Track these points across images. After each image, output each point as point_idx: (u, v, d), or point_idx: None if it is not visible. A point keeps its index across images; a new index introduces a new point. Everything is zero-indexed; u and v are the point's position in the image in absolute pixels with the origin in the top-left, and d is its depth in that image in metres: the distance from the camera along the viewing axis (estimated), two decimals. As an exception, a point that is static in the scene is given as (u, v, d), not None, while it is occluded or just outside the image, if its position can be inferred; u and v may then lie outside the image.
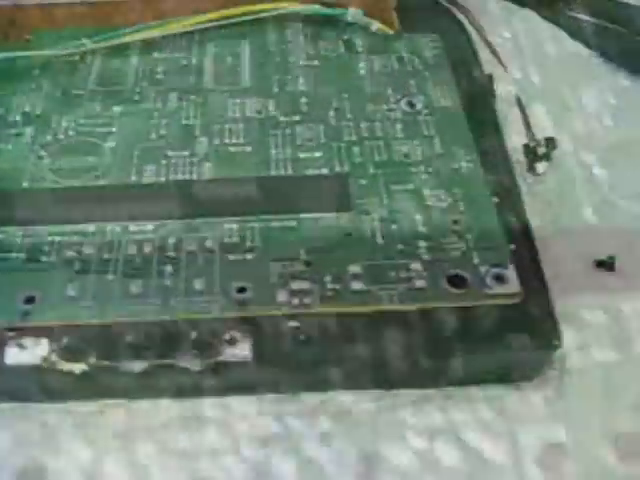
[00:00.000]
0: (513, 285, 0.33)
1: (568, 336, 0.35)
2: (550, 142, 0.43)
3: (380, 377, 0.34)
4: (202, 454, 0.33)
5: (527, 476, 0.32)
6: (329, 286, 0.33)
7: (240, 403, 0.34)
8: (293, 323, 0.32)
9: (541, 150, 0.42)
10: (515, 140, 0.43)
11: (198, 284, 0.33)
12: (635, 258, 0.39)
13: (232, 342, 0.33)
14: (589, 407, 0.34)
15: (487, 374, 0.34)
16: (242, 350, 0.34)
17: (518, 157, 0.42)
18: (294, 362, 0.33)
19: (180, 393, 0.34)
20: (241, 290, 0.33)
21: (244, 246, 0.34)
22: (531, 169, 0.42)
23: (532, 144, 0.42)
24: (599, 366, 0.35)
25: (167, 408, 0.34)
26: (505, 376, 0.35)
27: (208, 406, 0.34)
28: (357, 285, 0.33)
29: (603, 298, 0.38)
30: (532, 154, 0.42)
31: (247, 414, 0.34)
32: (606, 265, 0.39)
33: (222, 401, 0.34)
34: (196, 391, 0.34)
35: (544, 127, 0.45)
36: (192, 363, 0.33)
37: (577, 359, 0.36)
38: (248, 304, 0.33)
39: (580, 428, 0.33)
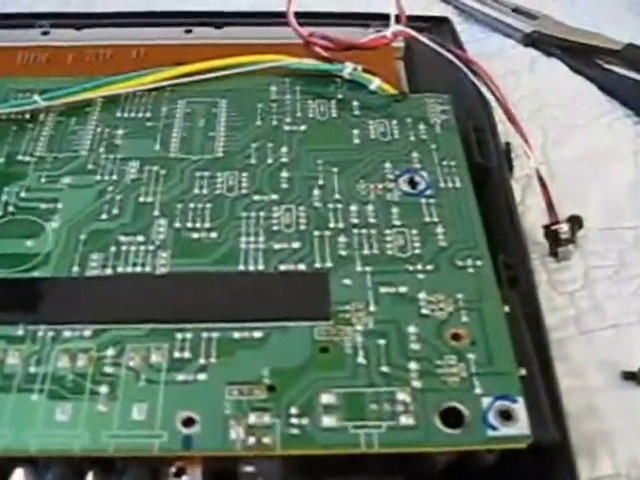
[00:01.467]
0: (521, 424, 0.26)
1: (584, 465, 0.30)
2: (575, 222, 0.36)
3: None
4: None
5: None
6: (294, 421, 0.27)
7: None
8: (248, 468, 0.25)
9: (564, 232, 0.35)
10: (534, 219, 0.36)
11: (137, 412, 0.27)
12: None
13: (180, 474, 0.27)
14: None
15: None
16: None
17: (538, 238, 0.35)
18: None
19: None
20: (188, 422, 0.26)
21: (196, 363, 0.28)
22: (553, 254, 0.35)
23: (554, 226, 0.35)
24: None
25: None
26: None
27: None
28: (329, 421, 0.27)
29: (631, 419, 0.32)
30: (554, 237, 0.35)
31: None
32: (637, 378, 0.32)
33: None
34: None
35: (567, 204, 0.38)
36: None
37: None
38: (195, 442, 0.27)
39: None
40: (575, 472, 0.28)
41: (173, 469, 0.27)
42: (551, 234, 0.36)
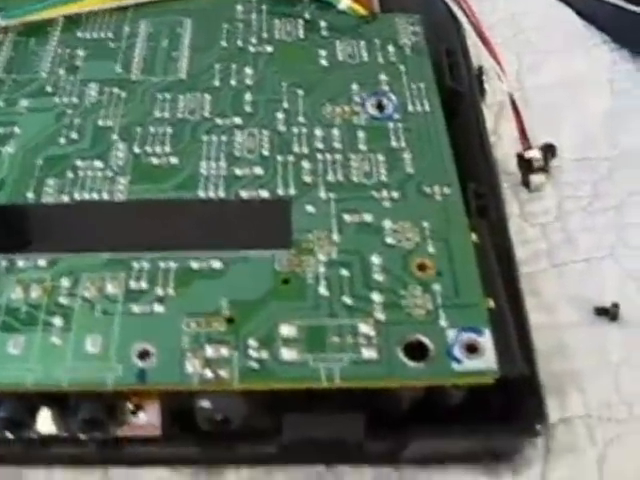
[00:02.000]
0: (488, 358, 0.25)
1: (554, 404, 0.30)
2: (548, 150, 0.34)
3: (317, 457, 0.28)
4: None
5: None
6: (253, 355, 0.26)
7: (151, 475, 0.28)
8: (205, 403, 0.24)
9: (537, 160, 0.34)
10: (507, 148, 0.35)
11: (91, 344, 0.26)
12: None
13: (137, 411, 0.27)
14: None
15: (451, 457, 0.28)
16: (149, 422, 0.27)
17: (510, 169, 0.34)
18: (207, 441, 0.27)
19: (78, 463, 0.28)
20: (143, 355, 0.25)
21: (153, 294, 0.27)
22: (525, 184, 0.34)
23: (527, 154, 0.34)
24: (593, 443, 0.29)
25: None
26: (475, 458, 0.28)
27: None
28: (289, 354, 0.26)
29: (602, 356, 0.32)
30: (527, 165, 0.34)
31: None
32: (609, 314, 0.31)
33: (130, 472, 0.28)
34: (95, 462, 0.28)
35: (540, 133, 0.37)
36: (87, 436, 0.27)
37: (565, 434, 0.30)
38: (150, 375, 0.26)
39: None
40: (544, 410, 0.27)
41: (130, 405, 0.26)
42: (524, 163, 0.35)
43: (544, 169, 0.35)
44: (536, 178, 0.35)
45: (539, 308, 0.32)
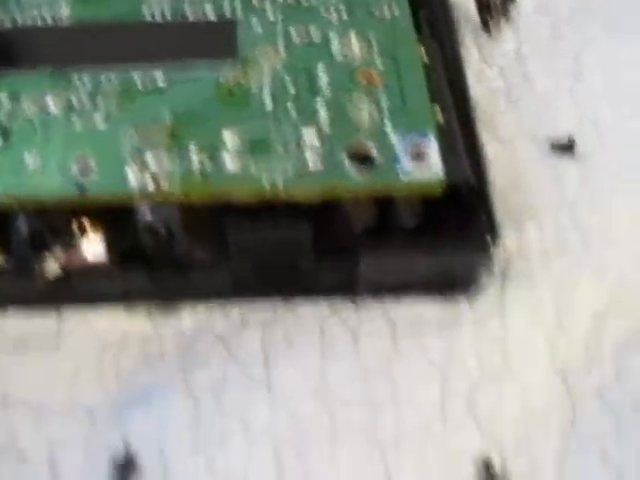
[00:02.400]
0: (434, 166, 0.25)
1: (511, 236, 0.30)
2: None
3: (267, 285, 0.28)
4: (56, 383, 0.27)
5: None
6: (196, 164, 0.25)
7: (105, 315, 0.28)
8: (146, 214, 0.24)
9: (496, 5, 0.34)
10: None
11: (31, 160, 0.26)
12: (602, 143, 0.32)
13: (82, 234, 0.27)
14: (534, 328, 0.28)
15: (404, 281, 0.28)
16: (94, 251, 0.27)
17: (470, 13, 0.34)
18: (157, 272, 0.27)
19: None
20: (84, 168, 0.26)
21: (95, 109, 0.26)
22: (485, 26, 0.34)
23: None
24: (548, 273, 0.29)
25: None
26: (431, 285, 0.28)
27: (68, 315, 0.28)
28: (232, 163, 0.25)
29: (558, 189, 0.31)
30: (486, 10, 0.34)
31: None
32: (564, 148, 0.31)
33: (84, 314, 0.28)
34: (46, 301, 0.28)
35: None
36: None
37: (521, 265, 0.30)
38: (91, 187, 0.25)
39: (520, 356, 0.27)
40: (495, 225, 0.27)
41: (74, 225, 0.26)
42: (483, 7, 0.34)
43: (503, 14, 0.34)
44: (495, 22, 0.34)
45: (496, 144, 0.32)
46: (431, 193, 0.26)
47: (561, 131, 0.32)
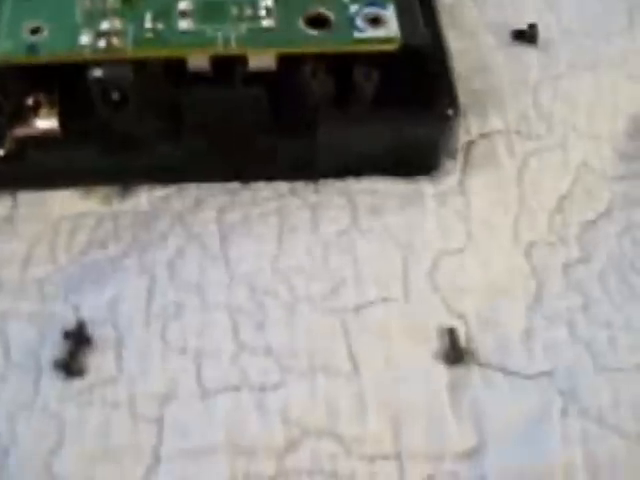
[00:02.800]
0: (391, 27, 0.24)
1: (474, 120, 0.30)
2: None
3: (225, 164, 0.28)
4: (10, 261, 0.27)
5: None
6: (148, 26, 0.24)
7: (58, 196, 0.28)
8: (97, 72, 0.23)
9: None
10: None
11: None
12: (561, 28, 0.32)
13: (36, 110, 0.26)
14: (497, 207, 0.28)
15: (365, 159, 0.28)
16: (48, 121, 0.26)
17: None
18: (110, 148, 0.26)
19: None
20: (35, 31, 0.24)
21: None
22: None
23: None
24: (512, 156, 0.29)
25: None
26: (391, 162, 0.28)
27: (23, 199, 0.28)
28: (185, 24, 0.24)
29: (521, 75, 0.31)
30: None
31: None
32: (526, 36, 0.30)
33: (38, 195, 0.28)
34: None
35: None
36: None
37: (485, 148, 0.29)
38: (42, 47, 0.25)
39: (483, 233, 0.27)
40: (455, 93, 0.27)
41: (29, 101, 0.25)
42: None
43: None
44: None
45: (459, 35, 0.31)
46: (386, 49, 0.25)
47: (523, 22, 0.32)
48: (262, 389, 0.25)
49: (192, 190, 0.28)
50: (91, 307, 0.26)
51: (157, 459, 0.24)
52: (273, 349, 0.25)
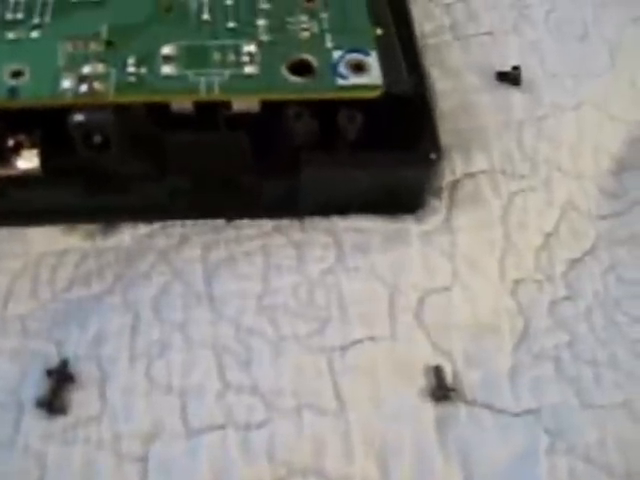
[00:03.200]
0: (374, 75, 0.25)
1: (459, 160, 0.30)
2: None
3: (210, 202, 0.28)
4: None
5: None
6: (131, 70, 0.25)
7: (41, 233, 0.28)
8: (79, 117, 0.24)
9: None
10: None
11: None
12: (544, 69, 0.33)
13: (18, 149, 0.26)
14: (483, 245, 0.28)
15: (349, 198, 0.28)
16: (29, 161, 0.26)
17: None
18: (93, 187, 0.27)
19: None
20: (16, 74, 0.24)
21: (30, 22, 0.26)
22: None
23: None
24: (497, 195, 0.29)
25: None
26: (375, 202, 0.28)
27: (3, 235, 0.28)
28: (169, 69, 0.25)
29: (505, 116, 0.32)
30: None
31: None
32: (510, 77, 0.31)
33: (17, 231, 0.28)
34: None
35: None
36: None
37: (470, 188, 0.30)
38: (23, 91, 0.25)
39: (469, 271, 0.28)
40: (437, 137, 0.27)
41: (10, 142, 0.25)
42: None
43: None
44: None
45: (444, 76, 0.32)
46: (369, 96, 0.25)
47: (506, 63, 0.32)
48: (247, 427, 0.24)
49: (176, 228, 0.28)
50: (74, 344, 0.26)
51: (141, 499, 0.23)
52: (259, 387, 0.25)
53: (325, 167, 0.26)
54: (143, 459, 0.24)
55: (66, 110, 0.24)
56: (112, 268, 0.27)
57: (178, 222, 0.28)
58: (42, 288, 0.27)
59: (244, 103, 0.26)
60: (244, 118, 0.26)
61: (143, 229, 0.28)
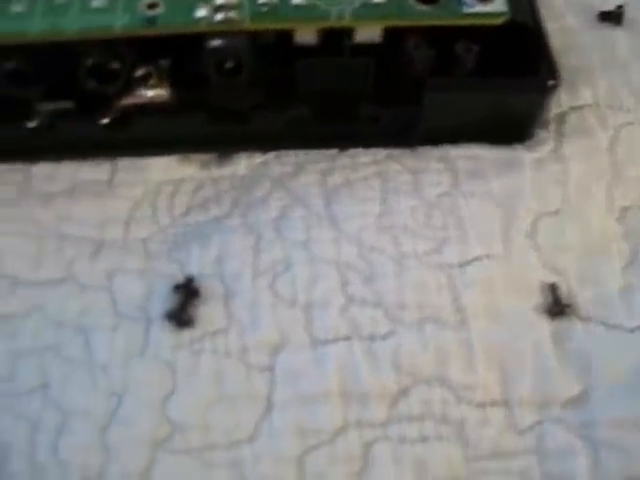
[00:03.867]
0: (498, 2, 0.26)
1: (565, 94, 0.30)
2: None
3: (326, 132, 0.29)
4: (113, 222, 0.28)
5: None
6: (263, 0, 0.26)
7: (159, 163, 0.29)
8: (215, 42, 0.25)
9: None
10: None
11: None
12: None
13: (146, 79, 0.27)
14: (588, 174, 0.29)
15: (464, 127, 0.29)
16: (159, 90, 0.28)
17: None
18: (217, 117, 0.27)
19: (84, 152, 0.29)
20: (152, 6, 0.26)
21: None
22: None
23: None
24: (604, 128, 0.30)
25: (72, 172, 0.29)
26: (489, 130, 0.29)
27: (123, 165, 0.29)
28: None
29: (609, 54, 0.32)
30: None
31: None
32: (612, 17, 0.32)
33: (138, 161, 0.29)
34: (102, 148, 0.28)
35: None
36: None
37: (576, 120, 0.30)
38: (159, 20, 0.26)
39: (579, 197, 0.28)
40: (554, 66, 0.27)
41: (140, 72, 0.26)
42: None
43: None
44: None
45: (547, 16, 0.32)
46: (493, 24, 0.26)
47: (607, 3, 0.33)
48: (372, 339, 0.25)
49: (290, 157, 0.29)
50: (197, 264, 0.27)
51: (270, 405, 0.24)
52: (382, 301, 0.26)
53: (447, 92, 0.27)
54: (270, 368, 0.25)
55: (197, 40, 0.25)
56: (229, 194, 0.28)
57: (291, 152, 0.29)
58: (161, 214, 0.28)
59: (367, 33, 0.26)
60: (366, 49, 0.26)
61: (258, 158, 0.29)
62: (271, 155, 0.29)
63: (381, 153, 0.29)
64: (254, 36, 0.26)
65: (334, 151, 0.29)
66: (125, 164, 0.29)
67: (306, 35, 0.27)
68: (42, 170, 0.29)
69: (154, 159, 0.29)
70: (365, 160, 0.29)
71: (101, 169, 0.29)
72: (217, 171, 0.29)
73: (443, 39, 0.26)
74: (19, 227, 0.27)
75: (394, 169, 0.29)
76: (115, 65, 0.27)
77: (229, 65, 0.26)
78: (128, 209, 0.28)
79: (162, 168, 0.29)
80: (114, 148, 0.29)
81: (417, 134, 0.28)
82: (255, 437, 0.24)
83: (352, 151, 0.29)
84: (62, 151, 0.29)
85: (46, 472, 0.23)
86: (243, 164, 0.29)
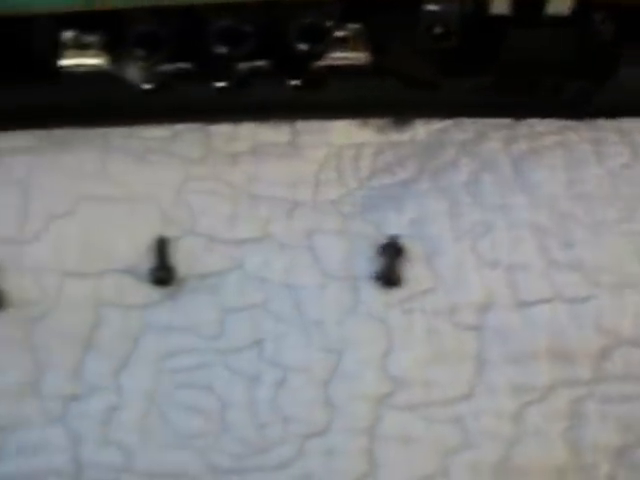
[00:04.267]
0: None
1: None
2: None
3: (506, 101, 0.29)
4: (301, 183, 0.28)
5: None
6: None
7: (340, 126, 0.29)
8: (432, 7, 0.26)
9: None
10: None
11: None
12: None
13: (344, 41, 0.27)
14: None
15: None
16: (356, 53, 0.28)
17: None
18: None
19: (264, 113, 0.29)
20: None
21: None
22: None
23: None
24: None
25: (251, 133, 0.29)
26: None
27: (303, 127, 0.29)
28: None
29: None
30: None
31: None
32: None
33: (318, 125, 0.29)
34: (287, 110, 0.29)
35: None
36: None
37: None
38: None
39: None
40: None
41: (340, 34, 0.27)
42: None
43: None
44: None
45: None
46: None
47: None
48: (573, 301, 0.26)
49: (468, 124, 0.29)
50: (393, 226, 0.27)
51: (482, 363, 0.25)
52: (581, 265, 0.27)
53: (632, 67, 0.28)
54: (478, 327, 0.26)
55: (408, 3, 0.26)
56: (412, 159, 0.29)
57: (468, 120, 0.30)
58: (348, 176, 0.28)
59: (558, 4, 0.27)
60: (554, 21, 0.27)
61: (436, 125, 0.30)
62: (449, 122, 0.30)
63: (555, 124, 0.30)
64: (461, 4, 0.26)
65: (508, 120, 0.30)
66: (304, 127, 0.29)
67: (501, 5, 0.27)
68: (221, 130, 0.29)
69: (333, 122, 0.29)
70: (542, 130, 0.30)
71: (281, 131, 0.29)
72: (396, 136, 0.29)
73: (630, 13, 0.27)
74: (210, 186, 0.28)
75: (573, 139, 0.29)
76: (327, 24, 0.27)
77: (438, 30, 0.27)
78: (314, 171, 0.28)
79: (342, 132, 0.29)
80: (295, 110, 0.29)
81: (594, 106, 0.29)
82: (472, 394, 0.25)
83: (529, 120, 0.30)
84: (242, 112, 0.29)
85: (267, 427, 0.24)
86: (421, 130, 0.29)
